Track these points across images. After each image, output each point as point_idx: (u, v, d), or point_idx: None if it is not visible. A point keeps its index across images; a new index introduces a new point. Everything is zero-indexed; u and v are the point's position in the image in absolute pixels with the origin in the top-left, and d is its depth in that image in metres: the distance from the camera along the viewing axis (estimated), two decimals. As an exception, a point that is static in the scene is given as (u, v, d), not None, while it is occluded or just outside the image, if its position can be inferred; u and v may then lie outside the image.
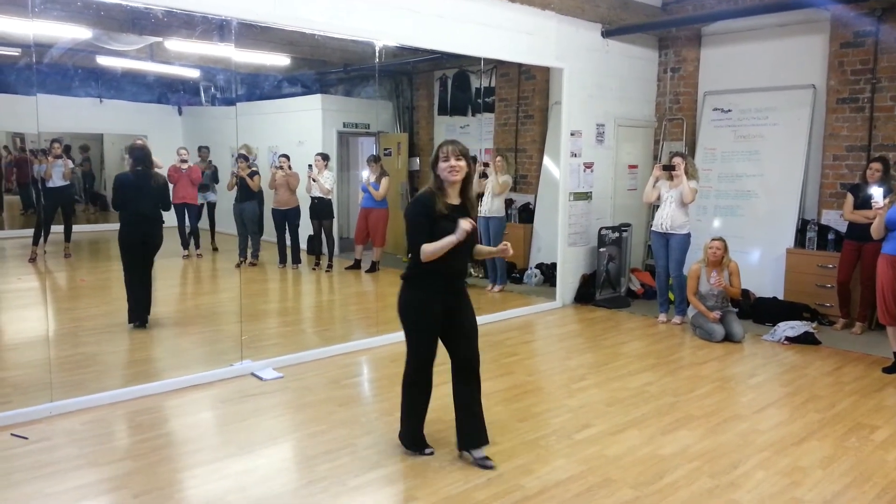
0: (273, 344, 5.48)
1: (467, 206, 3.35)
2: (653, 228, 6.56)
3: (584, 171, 7.39)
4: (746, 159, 7.33)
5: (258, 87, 9.27)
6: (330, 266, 8.49)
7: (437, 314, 3.29)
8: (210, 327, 5.97)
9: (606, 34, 7.29)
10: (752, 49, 7.38)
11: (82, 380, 4.44)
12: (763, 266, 7.00)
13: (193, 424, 3.96)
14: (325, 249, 8.42)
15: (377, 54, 5.89)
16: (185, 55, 7.51)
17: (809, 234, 6.66)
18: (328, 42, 7.01)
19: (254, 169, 8.10)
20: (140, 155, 5.57)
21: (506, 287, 7.78)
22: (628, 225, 7.69)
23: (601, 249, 7.27)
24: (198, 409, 4.18)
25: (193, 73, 8.42)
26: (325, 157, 8.26)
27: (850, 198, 6.08)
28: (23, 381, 4.43)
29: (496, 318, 6.54)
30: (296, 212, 8.17)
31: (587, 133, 7.35)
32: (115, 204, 5.49)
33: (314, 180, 8.10)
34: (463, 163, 3.25)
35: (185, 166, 7.02)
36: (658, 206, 6.52)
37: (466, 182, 3.34)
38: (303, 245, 8.42)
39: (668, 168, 6.33)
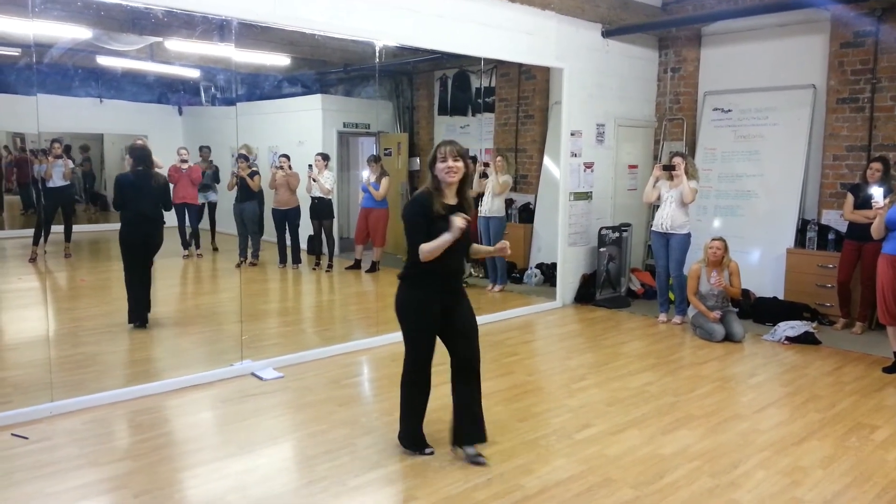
0: (273, 344, 5.48)
1: (464, 205, 3.37)
2: (653, 228, 6.56)
3: (585, 170, 7.40)
4: (746, 159, 7.33)
5: (258, 87, 9.27)
6: (330, 266, 8.49)
7: (435, 313, 3.30)
8: (210, 327, 5.97)
9: (606, 34, 7.29)
10: (752, 49, 7.38)
11: (83, 380, 4.45)
12: (763, 266, 7.00)
13: (194, 424, 3.96)
14: (325, 249, 8.42)
15: (377, 54, 5.89)
16: (185, 55, 7.51)
17: (809, 233, 6.66)
18: (328, 42, 7.01)
19: (254, 169, 8.10)
20: (141, 155, 5.57)
21: (506, 287, 7.78)
22: (628, 225, 7.69)
23: (601, 249, 7.27)
24: (198, 408, 4.18)
25: (194, 73, 8.42)
26: (326, 157, 8.26)
27: (850, 198, 6.08)
28: (23, 380, 4.43)
29: (496, 318, 6.54)
30: (296, 212, 8.17)
31: (587, 133, 7.35)
32: (116, 204, 5.49)
33: (314, 180, 8.10)
34: (460, 163, 3.26)
35: (185, 166, 7.02)
36: (658, 206, 6.52)
37: (464, 182, 3.35)
38: (303, 245, 8.42)
39: (669, 168, 6.33)
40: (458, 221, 3.11)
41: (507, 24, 6.30)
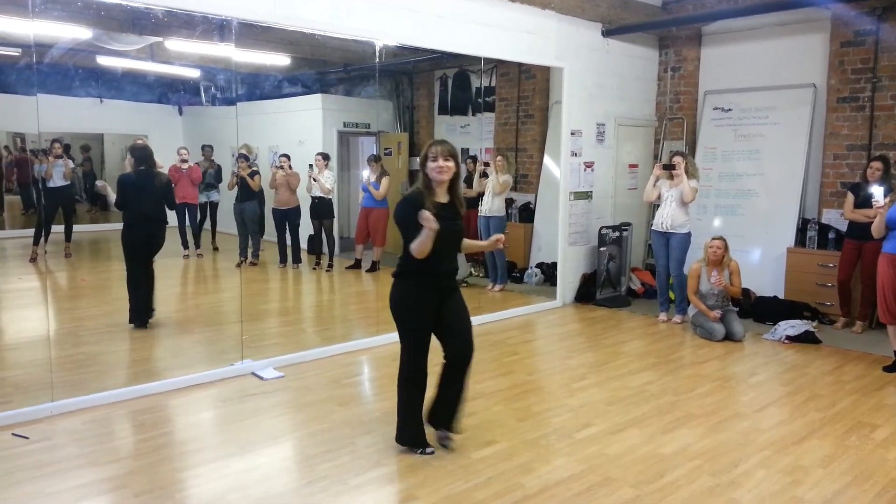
0: (273, 343, 5.49)
1: (456, 203, 3.39)
2: (653, 227, 6.56)
3: (585, 170, 7.40)
4: (747, 158, 7.33)
5: (258, 86, 9.27)
6: (330, 266, 8.49)
7: (429, 310, 3.34)
8: (211, 327, 5.97)
9: (607, 33, 7.29)
10: (752, 48, 7.38)
11: (83, 379, 4.45)
12: (763, 265, 7.00)
13: (194, 424, 3.96)
14: (325, 249, 8.43)
15: (377, 54, 5.89)
16: (185, 55, 7.52)
17: (810, 233, 6.66)
18: (328, 42, 7.01)
19: (254, 169, 8.11)
20: (142, 155, 5.57)
21: (506, 286, 7.78)
22: (629, 224, 7.69)
23: (601, 249, 7.27)
24: (198, 408, 4.18)
25: (194, 73, 8.42)
26: (326, 157, 8.26)
27: (850, 197, 6.07)
28: (24, 380, 4.43)
29: (496, 318, 6.54)
30: (296, 211, 8.17)
31: (587, 132, 7.35)
32: (118, 203, 5.49)
33: (315, 180, 8.10)
34: (451, 163, 3.29)
35: (185, 166, 7.02)
36: (658, 206, 6.52)
37: (454, 180, 3.37)
38: (303, 245, 8.42)
39: (669, 167, 6.33)
40: (424, 213, 3.13)
41: (507, 24, 6.30)
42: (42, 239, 7.11)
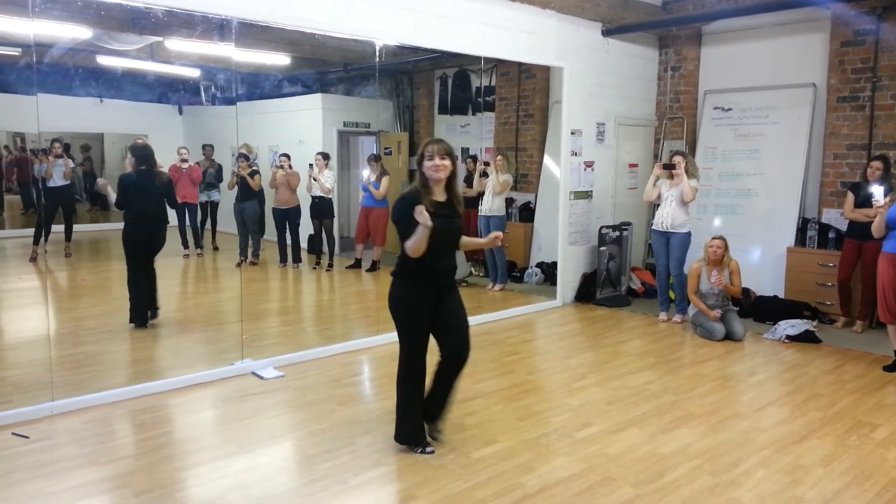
0: (274, 343, 5.49)
1: (453, 201, 3.41)
2: (653, 227, 6.56)
3: (585, 169, 7.40)
4: (747, 158, 7.33)
5: (258, 86, 9.27)
6: (330, 265, 8.49)
7: (427, 309, 3.35)
8: (211, 326, 5.98)
9: (607, 33, 7.29)
10: (752, 48, 7.38)
11: (83, 379, 4.45)
12: (763, 264, 7.00)
13: (194, 423, 3.96)
14: (325, 248, 8.43)
15: (377, 53, 5.89)
16: (185, 55, 7.52)
17: (810, 232, 6.66)
18: (328, 41, 7.01)
19: (254, 168, 8.10)
20: (143, 154, 5.57)
21: (506, 286, 7.78)
22: (629, 224, 7.69)
23: (602, 248, 7.27)
24: (199, 408, 4.18)
25: (194, 73, 8.42)
26: (326, 157, 8.26)
27: (850, 196, 6.07)
28: (24, 380, 4.43)
29: (497, 317, 6.54)
30: (296, 211, 8.17)
31: (587, 132, 7.35)
32: (118, 203, 5.48)
33: (315, 179, 8.10)
34: (448, 162, 3.30)
35: (185, 166, 7.02)
36: (658, 205, 6.52)
37: (452, 178, 3.39)
38: (303, 244, 8.42)
39: (669, 167, 6.33)
40: (418, 208, 3.13)
41: (507, 24, 6.29)
42: (42, 238, 7.11)
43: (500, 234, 3.57)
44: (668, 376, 4.86)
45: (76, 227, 7.46)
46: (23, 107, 5.77)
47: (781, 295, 6.72)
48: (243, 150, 8.04)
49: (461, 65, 9.25)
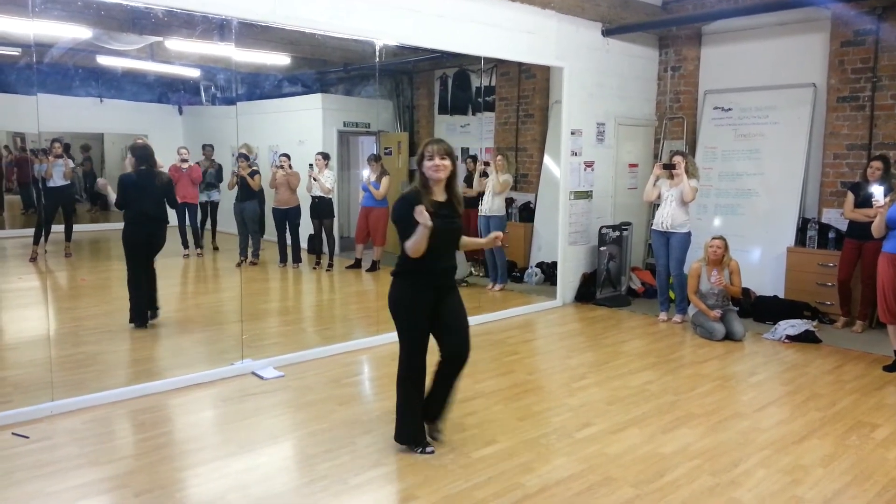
0: (274, 343, 5.49)
1: (454, 201, 3.41)
2: (653, 227, 6.56)
3: (585, 169, 7.40)
4: (747, 158, 7.33)
5: (258, 86, 9.27)
6: (330, 265, 8.49)
7: (427, 309, 3.35)
8: (211, 326, 5.98)
9: (607, 33, 7.29)
10: (752, 48, 7.38)
11: (83, 379, 4.45)
12: (763, 264, 7.00)
13: (194, 423, 3.96)
14: (325, 248, 8.43)
15: (377, 53, 5.89)
16: (185, 55, 7.52)
17: (810, 232, 6.66)
18: (328, 41, 7.01)
19: (254, 168, 8.11)
20: (143, 154, 5.57)
21: (506, 286, 7.78)
22: (629, 224, 7.69)
23: (602, 248, 7.27)
24: (199, 408, 4.18)
25: (194, 73, 8.42)
26: (326, 157, 8.26)
27: (850, 196, 6.07)
28: (24, 380, 4.43)
29: (497, 317, 6.54)
30: (296, 211, 8.17)
31: (587, 132, 7.35)
32: (118, 203, 5.48)
33: (315, 179, 8.10)
34: (447, 161, 3.31)
35: (185, 166, 7.02)
36: (658, 205, 6.52)
37: (451, 178, 3.39)
38: (303, 244, 8.42)
39: (669, 167, 6.33)
40: (418, 208, 3.13)
41: (507, 24, 6.29)
42: (42, 238, 7.11)
43: (499, 233, 3.57)
44: (668, 376, 4.86)
45: (76, 227, 7.46)
46: (23, 107, 5.77)
47: (781, 295, 6.72)
48: (243, 150, 8.04)
49: (461, 65, 9.25)
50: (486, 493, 3.09)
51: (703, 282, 5.95)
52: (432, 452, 3.47)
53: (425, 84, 10.02)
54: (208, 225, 7.85)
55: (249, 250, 8.24)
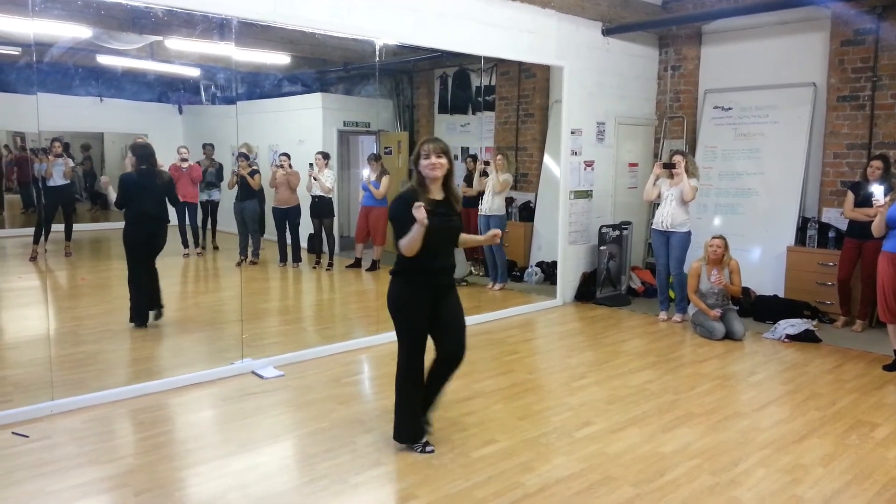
0: (274, 342, 5.49)
1: (451, 199, 3.42)
2: (653, 226, 6.56)
3: (585, 169, 7.39)
4: (747, 157, 7.33)
5: (258, 85, 9.27)
6: (330, 265, 8.49)
7: (426, 308, 3.35)
8: (211, 326, 5.98)
9: (607, 32, 7.29)
10: (752, 47, 7.38)
11: (83, 378, 4.45)
12: (763, 264, 6.99)
13: (194, 423, 3.96)
14: (325, 248, 8.43)
15: (377, 53, 5.89)
16: (185, 54, 7.51)
17: (810, 231, 6.66)
18: (328, 41, 7.01)
19: (254, 168, 8.11)
20: (144, 153, 5.56)
21: (506, 285, 7.78)
22: (629, 223, 7.69)
23: (602, 247, 7.27)
24: (199, 407, 4.18)
25: (194, 72, 8.42)
26: (326, 156, 8.26)
27: (850, 195, 6.07)
28: (24, 379, 4.44)
29: (497, 317, 6.54)
30: (296, 210, 8.17)
31: (587, 131, 7.35)
32: (119, 203, 5.48)
33: (315, 179, 8.10)
34: (444, 160, 3.31)
35: (185, 165, 7.02)
36: (658, 204, 6.52)
37: (448, 177, 3.40)
38: (303, 244, 8.42)
39: (669, 166, 6.33)
40: (417, 204, 3.14)
41: (507, 23, 6.29)
42: (42, 238, 7.11)
43: (498, 231, 3.57)
44: (668, 375, 4.87)
45: (76, 227, 7.46)
46: (23, 106, 5.77)
47: (781, 294, 6.72)
48: (243, 150, 8.04)
49: (461, 64, 9.25)
50: (486, 493, 3.09)
51: (703, 281, 5.95)
52: (432, 451, 3.47)
53: (425, 83, 10.02)
54: (208, 224, 7.85)
55: (249, 250, 8.24)
